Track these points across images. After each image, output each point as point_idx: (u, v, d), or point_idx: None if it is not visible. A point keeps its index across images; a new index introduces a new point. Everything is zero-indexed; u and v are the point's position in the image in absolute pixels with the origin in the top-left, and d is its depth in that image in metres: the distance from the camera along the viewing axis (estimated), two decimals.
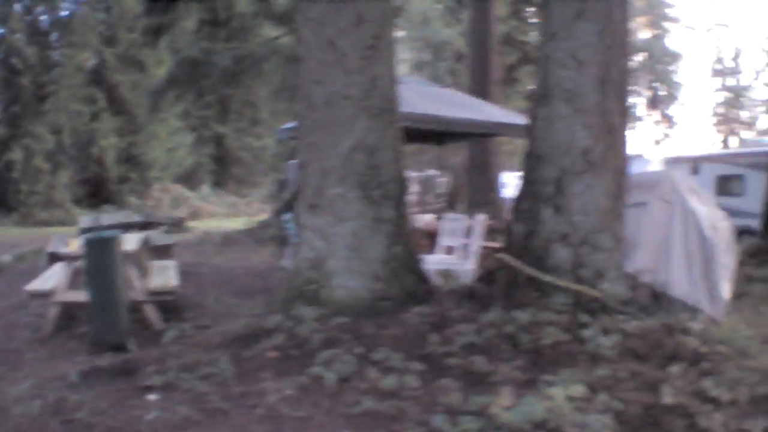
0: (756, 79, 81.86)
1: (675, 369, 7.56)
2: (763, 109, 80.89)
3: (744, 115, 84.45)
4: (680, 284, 10.45)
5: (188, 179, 49.41)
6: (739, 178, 27.85)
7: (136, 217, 25.03)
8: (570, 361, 7.57)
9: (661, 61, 75.54)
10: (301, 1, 9.44)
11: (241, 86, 34.65)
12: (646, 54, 71.92)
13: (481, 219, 13.82)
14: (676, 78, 78.88)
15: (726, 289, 10.78)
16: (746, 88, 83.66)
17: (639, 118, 77.92)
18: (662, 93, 77.93)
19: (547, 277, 8.87)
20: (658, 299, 10.22)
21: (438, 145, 23.10)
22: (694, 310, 9.83)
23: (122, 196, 41.21)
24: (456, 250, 14.27)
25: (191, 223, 35.51)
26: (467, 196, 25.15)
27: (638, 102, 76.84)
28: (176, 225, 31.20)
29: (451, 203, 28.61)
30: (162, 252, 15.50)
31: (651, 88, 76.89)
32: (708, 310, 10.34)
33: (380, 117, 9.16)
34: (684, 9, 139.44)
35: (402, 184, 9.52)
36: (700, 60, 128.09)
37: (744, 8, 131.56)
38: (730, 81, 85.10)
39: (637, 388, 7.13)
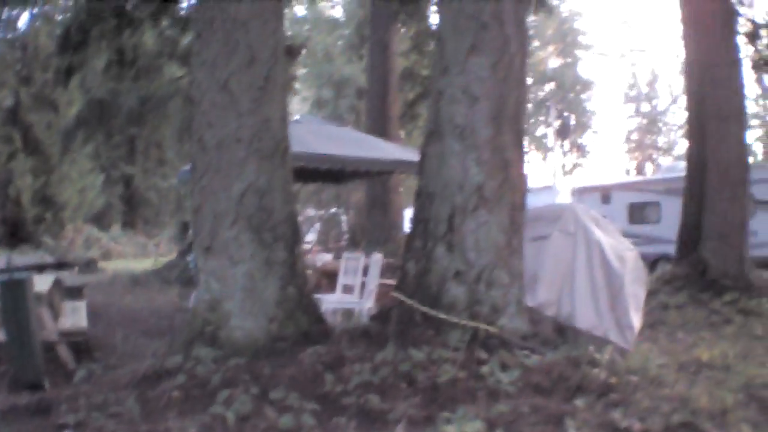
0: (673, 103, 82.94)
1: (580, 402, 7.67)
2: (681, 133, 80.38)
3: (661, 141, 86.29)
4: (586, 316, 10.60)
5: (99, 220, 49.72)
6: (654, 204, 28.60)
7: (48, 258, 25.20)
8: (468, 398, 7.66)
9: (572, 89, 77.55)
10: (195, 43, 9.69)
11: (146, 127, 34.81)
12: (555, 83, 72.60)
13: (378, 258, 14.01)
14: (589, 106, 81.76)
15: (636, 319, 10.91)
16: (662, 113, 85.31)
17: (549, 149, 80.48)
18: (573, 122, 79.53)
19: (442, 315, 8.99)
20: (564, 333, 10.40)
21: (336, 183, 23.58)
22: (602, 342, 9.92)
23: (38, 237, 41.10)
24: (355, 289, 14.42)
25: (102, 264, 35.94)
26: (368, 234, 25.34)
27: (548, 132, 79.85)
28: (88, 266, 31.56)
29: (354, 241, 28.87)
30: (73, 293, 15.70)
31: (561, 117, 78.14)
32: (617, 340, 10.48)
33: (271, 159, 9.38)
34: (596, 36, 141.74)
35: (294, 226, 9.71)
36: (614, 87, 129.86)
37: (658, 33, 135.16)
38: (645, 107, 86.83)
39: (539, 422, 7.24)
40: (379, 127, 24.00)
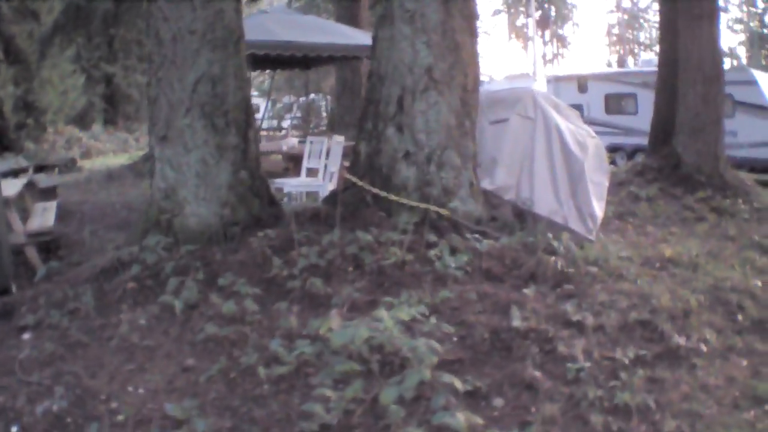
0: (655, 1, 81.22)
1: (531, 290, 7.53)
2: None
3: (643, 36, 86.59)
4: (546, 201, 10.44)
5: (81, 120, 49.08)
6: (630, 96, 28.56)
7: (23, 163, 25.35)
8: (414, 282, 7.55)
9: None
10: None
11: (123, 26, 34.50)
12: None
13: (340, 140, 13.87)
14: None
15: (598, 208, 10.74)
16: (644, 10, 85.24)
17: (529, 38, 79.03)
18: (553, 13, 79.78)
19: (392, 196, 8.92)
20: (523, 218, 10.25)
21: (305, 69, 24.08)
22: (562, 229, 9.79)
23: (20, 143, 40.92)
24: (319, 173, 14.38)
25: (83, 163, 35.57)
26: (338, 118, 25.27)
27: (528, 21, 78.54)
28: (68, 166, 31.58)
29: (332, 126, 28.93)
30: (47, 194, 15.78)
31: (541, 8, 77.79)
32: (578, 229, 10.34)
33: (224, 48, 9.25)
34: None
35: (247, 111, 9.56)
36: None
37: None
38: (626, 2, 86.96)
39: (485, 310, 7.11)
40: (350, 15, 23.91)
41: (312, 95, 38.46)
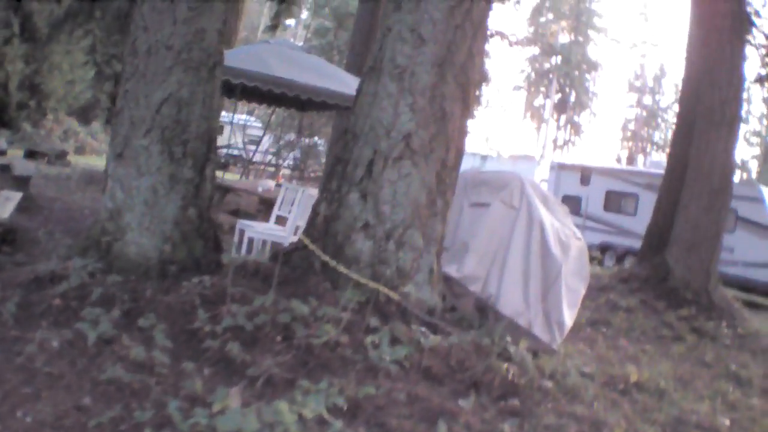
0: (677, 102, 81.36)
1: (469, 402, 6.82)
2: None
3: (657, 136, 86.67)
4: (512, 300, 9.77)
5: (83, 114, 49.05)
6: (632, 196, 28.26)
7: (5, 145, 25.35)
8: (342, 369, 6.85)
9: (577, 67, 78.26)
10: None
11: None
12: (561, 57, 72.96)
13: (313, 193, 13.02)
14: (591, 87, 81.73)
15: (568, 316, 10.11)
16: (664, 110, 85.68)
17: (544, 120, 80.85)
18: (573, 99, 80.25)
19: (341, 268, 8.16)
20: (485, 314, 9.57)
21: (300, 111, 23.46)
22: (524, 334, 9.17)
23: (19, 122, 40.63)
24: (288, 222, 13.53)
25: (74, 158, 36.03)
26: (327, 166, 24.53)
27: (546, 103, 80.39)
28: (58, 157, 31.97)
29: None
30: (20, 183, 15.69)
31: (561, 91, 78.45)
32: (542, 336, 9.72)
33: (197, 71, 8.77)
34: (611, 21, 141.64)
35: (209, 144, 9.02)
36: (620, 75, 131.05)
37: (673, 31, 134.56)
38: (648, 99, 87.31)
39: (412, 416, 6.40)
40: (361, 63, 23.09)
41: (315, 138, 38.16)
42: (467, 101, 8.92)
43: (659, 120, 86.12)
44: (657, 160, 34.36)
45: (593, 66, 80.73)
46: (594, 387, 8.68)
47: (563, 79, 78.28)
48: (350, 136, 8.78)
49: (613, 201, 28.97)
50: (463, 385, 7.21)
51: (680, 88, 21.32)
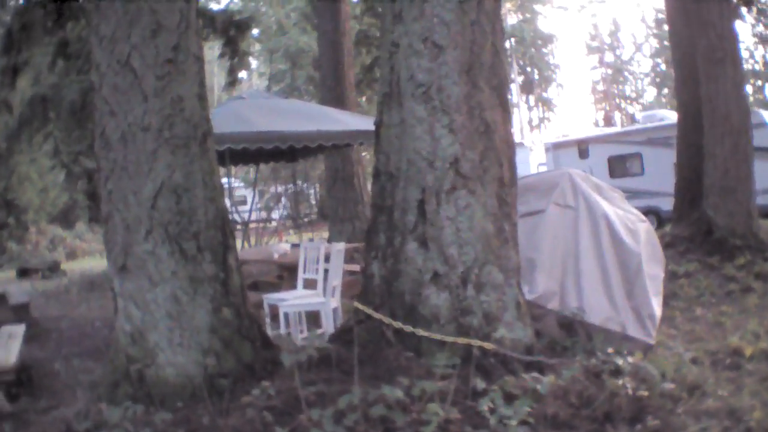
0: (638, 51, 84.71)
1: None
2: (648, 81, 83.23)
3: (628, 89, 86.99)
4: (599, 308, 8.88)
5: (64, 218, 48.67)
6: (635, 156, 27.70)
7: None
8: None
9: (532, 44, 78.11)
10: (93, 17, 7.86)
11: (90, 120, 33.73)
12: (514, 39, 73.96)
13: (340, 248, 11.86)
14: (551, 60, 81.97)
15: (657, 305, 9.24)
16: (627, 62, 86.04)
17: (514, 105, 79.42)
18: (536, 77, 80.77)
19: (421, 331, 7.04)
20: (571, 329, 8.67)
21: (291, 162, 22.56)
22: (620, 339, 8.48)
23: (2, 243, 39.86)
24: (318, 284, 12.27)
25: (67, 264, 35.50)
26: (332, 211, 23.75)
27: (511, 88, 78.54)
28: (51, 269, 31.09)
29: (323, 215, 27.66)
30: (19, 312, 14.81)
31: (523, 72, 79.15)
32: (637, 335, 8.86)
33: (187, 148, 7.49)
34: None
35: (224, 229, 7.77)
36: (576, 39, 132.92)
37: None
38: (609, 57, 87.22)
39: None
40: (335, 96, 22.32)
41: (299, 183, 37.03)
42: (506, 106, 7.82)
43: (626, 74, 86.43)
44: (649, 114, 33.69)
45: (548, 39, 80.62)
46: (707, 371, 8.00)
47: (522, 60, 78.23)
48: (385, 178, 7.63)
49: (618, 166, 28.43)
50: (595, 422, 6.21)
51: (668, 32, 21.26)
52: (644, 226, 9.75)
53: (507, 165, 7.58)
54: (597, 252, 9.05)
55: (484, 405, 6.09)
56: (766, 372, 8.09)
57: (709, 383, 7.31)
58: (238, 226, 34.79)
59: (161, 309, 7.27)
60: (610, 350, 7.33)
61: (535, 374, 6.71)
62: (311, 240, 23.07)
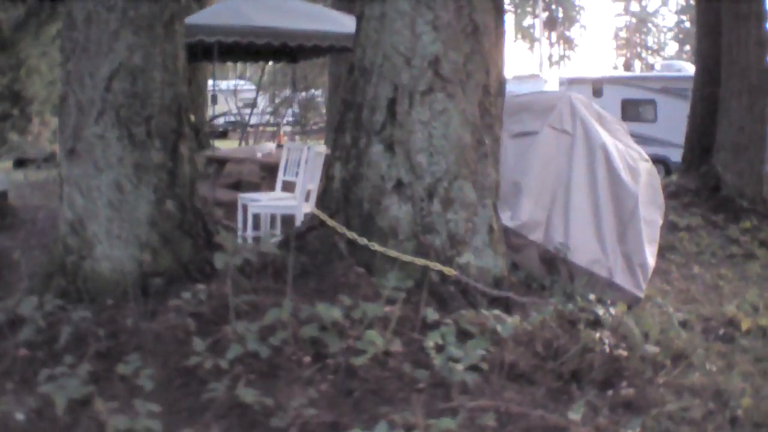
0: (664, 5, 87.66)
1: (577, 412, 4.76)
2: (671, 35, 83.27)
3: (651, 40, 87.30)
4: (586, 248, 8.13)
5: None
6: (649, 102, 26.85)
7: None
8: (401, 392, 4.82)
9: None
10: None
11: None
12: None
13: (320, 150, 10.92)
14: (577, 1, 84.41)
15: (650, 255, 8.45)
16: (653, 14, 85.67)
17: (536, 39, 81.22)
18: (561, 15, 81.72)
19: (376, 246, 6.17)
20: (554, 266, 7.89)
21: (292, 62, 21.11)
22: (606, 286, 7.80)
23: (4, 135, 39.52)
24: (296, 187, 11.40)
25: None
26: (331, 118, 22.69)
27: (535, 23, 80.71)
28: (47, 160, 29.95)
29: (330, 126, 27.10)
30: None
31: (548, 9, 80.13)
32: (625, 284, 8.09)
33: (150, 29, 6.74)
34: None
35: (179, 116, 6.97)
36: None
37: None
38: (635, 6, 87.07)
39: None
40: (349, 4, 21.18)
41: (312, 90, 36.45)
42: (500, 9, 6.85)
43: (649, 25, 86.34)
44: (668, 63, 32.81)
45: None
46: (697, 339, 7.12)
47: None
48: (358, 73, 6.66)
49: (631, 110, 27.35)
50: (560, 379, 5.35)
51: None
52: (646, 166, 8.88)
53: (495, 73, 6.64)
54: (590, 186, 8.21)
55: (431, 341, 5.23)
56: (761, 351, 7.35)
57: (698, 354, 6.56)
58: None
59: (104, 197, 6.65)
60: (591, 297, 6.68)
61: (500, 312, 5.80)
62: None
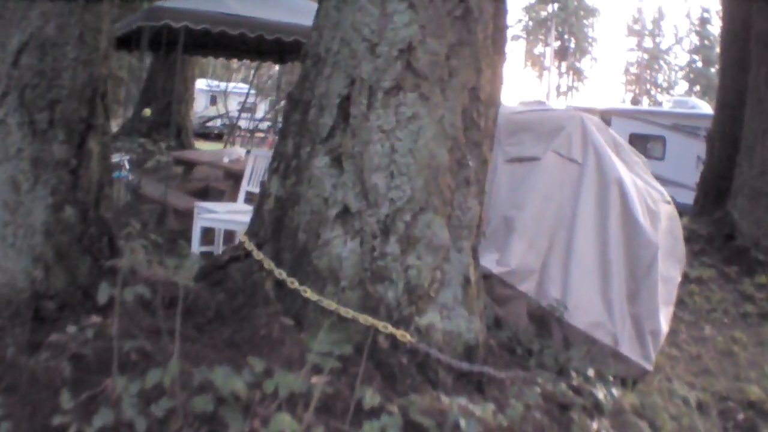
0: (677, 43, 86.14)
1: None
2: (682, 74, 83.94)
3: (661, 78, 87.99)
4: (588, 307, 6.65)
5: None
6: (658, 139, 26.37)
7: None
8: None
9: (575, 13, 79.63)
10: None
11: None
12: (558, 4, 75.49)
13: None
14: (590, 33, 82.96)
15: (665, 319, 6.99)
16: (665, 52, 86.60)
17: (546, 68, 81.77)
18: (572, 46, 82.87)
19: (310, 293, 4.52)
20: (545, 326, 6.40)
21: (280, 63, 19.59)
22: (609, 356, 6.43)
23: None
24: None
25: None
26: None
27: (546, 51, 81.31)
28: None
29: None
30: None
31: (561, 38, 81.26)
32: (633, 354, 6.64)
33: None
34: None
35: (93, 104, 5.45)
36: (618, 18, 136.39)
37: None
38: (648, 42, 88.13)
39: None
40: None
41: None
42: None
43: (661, 62, 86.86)
44: (680, 99, 31.96)
45: (591, 12, 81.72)
46: (715, 429, 6.29)
47: (561, 27, 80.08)
48: (310, 62, 5.06)
49: (638, 145, 26.69)
50: None
51: (721, 15, 19.64)
52: (667, 209, 7.46)
53: (489, 74, 4.91)
54: (600, 229, 6.74)
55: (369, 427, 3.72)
56: None
57: None
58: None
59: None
60: (591, 372, 5.34)
61: (466, 399, 4.24)
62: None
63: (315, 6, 10.05)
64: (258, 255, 4.74)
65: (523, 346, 5.75)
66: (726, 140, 16.23)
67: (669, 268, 7.15)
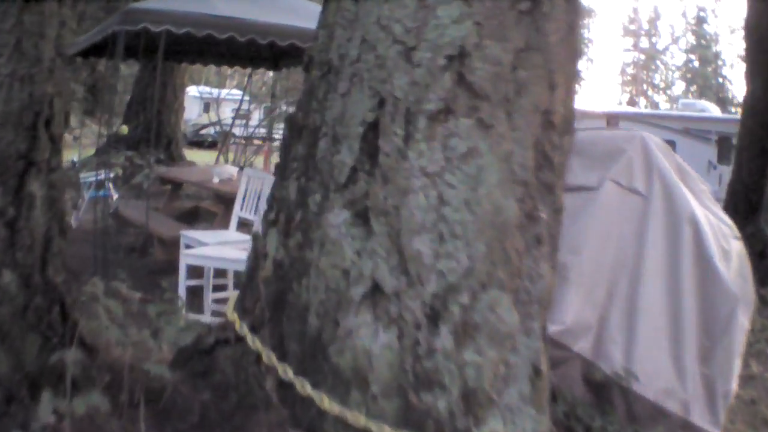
0: (674, 43, 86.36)
1: None
2: (678, 74, 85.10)
3: (658, 78, 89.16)
4: (656, 371, 5.48)
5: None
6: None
7: None
8: None
9: None
10: None
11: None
12: None
13: None
14: (587, 34, 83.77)
15: (735, 377, 5.97)
16: (662, 52, 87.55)
17: None
18: None
19: (327, 402, 3.25)
20: (605, 396, 5.32)
21: (274, 69, 18.40)
22: (679, 426, 5.37)
23: None
24: (254, 228, 8.37)
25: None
26: None
27: None
28: None
29: None
30: None
31: None
32: (703, 422, 5.58)
33: None
34: None
35: (35, 133, 4.42)
36: (613, 19, 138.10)
37: None
38: (644, 42, 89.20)
39: None
40: None
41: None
42: None
43: (657, 63, 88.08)
44: (688, 102, 31.33)
45: (587, 12, 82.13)
46: None
47: None
48: (318, 73, 3.75)
49: None
50: None
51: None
52: (737, 247, 6.28)
53: (564, 89, 3.65)
54: (670, 276, 5.54)
55: None
56: None
57: None
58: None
59: None
60: None
61: None
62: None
63: (315, 6, 8.57)
64: (254, 343, 3.51)
65: (582, 423, 4.83)
66: (755, 149, 15.45)
67: (742, 317, 5.98)
